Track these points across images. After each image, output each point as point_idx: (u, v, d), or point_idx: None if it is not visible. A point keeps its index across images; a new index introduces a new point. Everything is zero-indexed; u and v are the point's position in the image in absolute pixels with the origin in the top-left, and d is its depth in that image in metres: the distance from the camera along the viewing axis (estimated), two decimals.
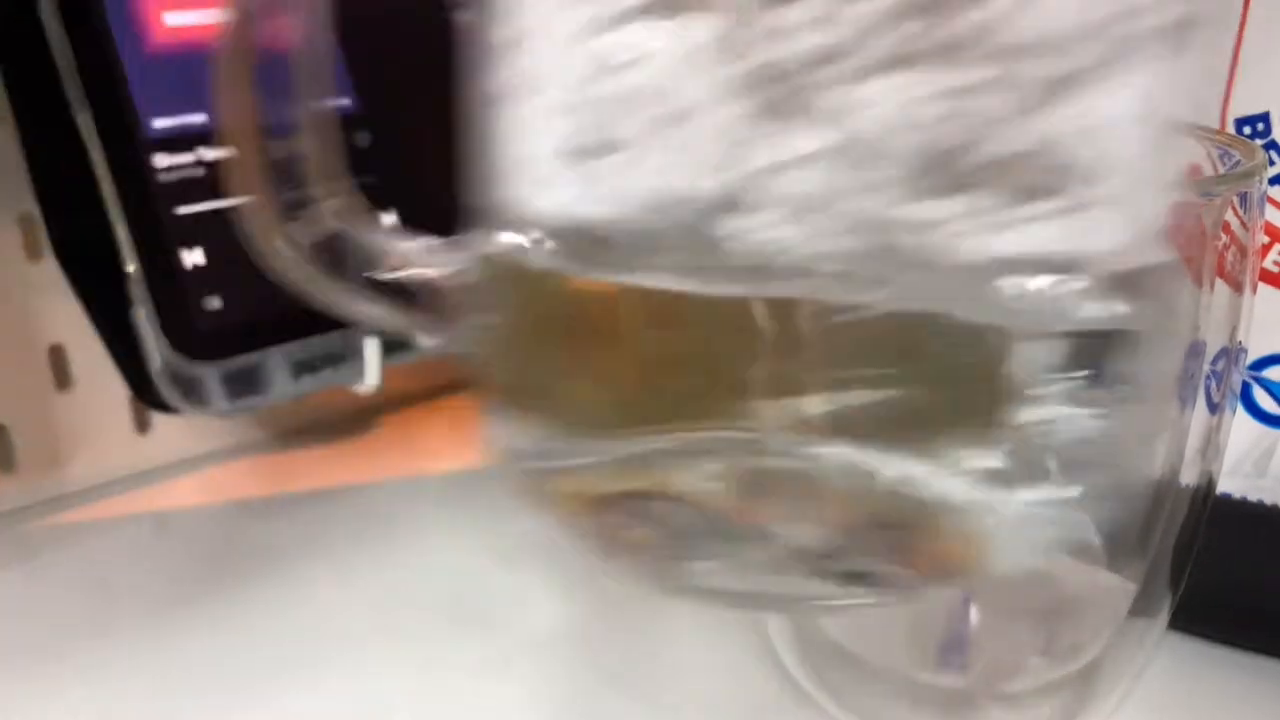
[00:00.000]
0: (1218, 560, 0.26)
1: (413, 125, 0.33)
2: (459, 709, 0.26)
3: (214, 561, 0.32)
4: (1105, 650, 0.24)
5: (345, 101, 0.31)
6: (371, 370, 0.31)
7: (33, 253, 0.33)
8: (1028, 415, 0.15)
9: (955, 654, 0.23)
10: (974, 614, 0.23)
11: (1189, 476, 0.22)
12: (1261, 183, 0.21)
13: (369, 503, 0.35)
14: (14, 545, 0.33)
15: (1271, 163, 0.27)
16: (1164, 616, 0.24)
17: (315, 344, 0.29)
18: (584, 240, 0.15)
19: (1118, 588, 0.23)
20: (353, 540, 0.33)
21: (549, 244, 0.16)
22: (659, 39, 0.14)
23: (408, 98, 0.33)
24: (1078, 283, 0.15)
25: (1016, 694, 0.24)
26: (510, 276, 0.18)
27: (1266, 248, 0.27)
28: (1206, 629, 0.27)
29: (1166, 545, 0.23)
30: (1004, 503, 0.16)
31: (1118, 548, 0.23)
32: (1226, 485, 0.27)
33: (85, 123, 0.27)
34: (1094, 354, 0.16)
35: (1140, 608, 0.23)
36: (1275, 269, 0.27)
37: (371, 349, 0.30)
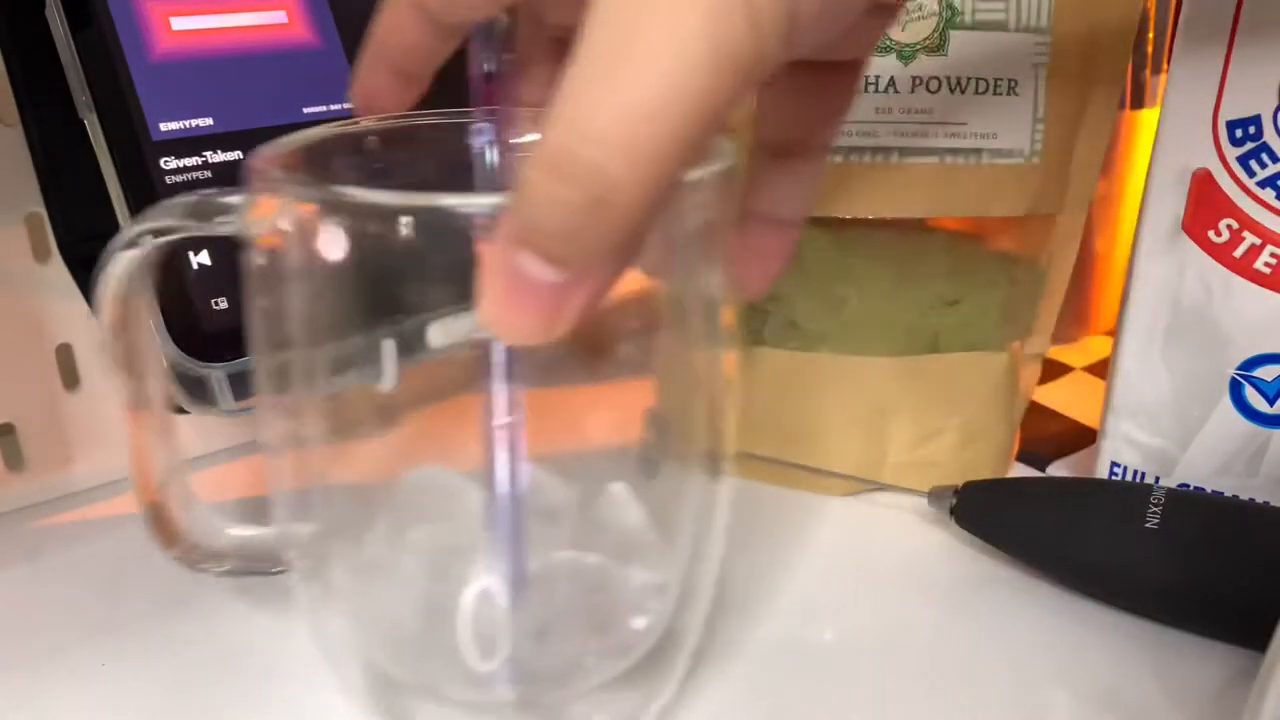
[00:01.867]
0: (1214, 558, 0.26)
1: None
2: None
3: None
4: (658, 643, 0.24)
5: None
6: (388, 371, 0.31)
7: (40, 254, 0.33)
8: None
9: (504, 668, 0.22)
10: (516, 623, 0.23)
11: None
12: None
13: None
14: (23, 542, 0.33)
15: (1263, 165, 0.27)
16: (704, 602, 0.24)
17: None
18: None
19: (659, 585, 0.23)
20: None
21: None
22: None
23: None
24: None
25: (573, 695, 0.23)
26: None
27: (1258, 249, 0.27)
28: (1204, 627, 0.27)
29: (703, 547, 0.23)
30: None
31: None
32: (1219, 484, 0.27)
33: (93, 126, 0.28)
34: None
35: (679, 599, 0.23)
36: (1267, 270, 0.27)
37: (387, 350, 0.30)
